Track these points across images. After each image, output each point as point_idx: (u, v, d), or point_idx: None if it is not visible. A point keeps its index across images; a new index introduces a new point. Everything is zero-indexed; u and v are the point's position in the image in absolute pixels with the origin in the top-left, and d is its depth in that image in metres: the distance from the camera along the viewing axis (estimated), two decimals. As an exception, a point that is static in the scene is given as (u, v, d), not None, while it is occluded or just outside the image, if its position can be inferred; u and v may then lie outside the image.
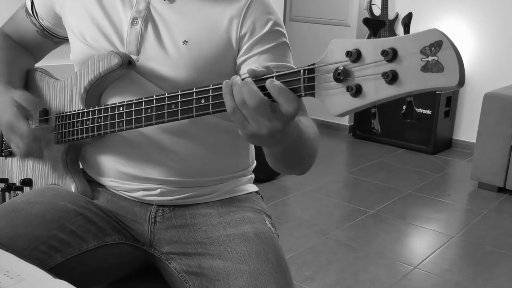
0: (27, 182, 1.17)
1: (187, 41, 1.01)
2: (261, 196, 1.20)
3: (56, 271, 0.92)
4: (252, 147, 1.19)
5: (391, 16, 4.23)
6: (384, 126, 4.21)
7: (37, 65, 1.26)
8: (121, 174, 1.08)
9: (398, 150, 4.14)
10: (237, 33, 1.01)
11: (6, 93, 1.09)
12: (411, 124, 4.10)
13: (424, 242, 2.73)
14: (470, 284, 2.29)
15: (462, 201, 3.25)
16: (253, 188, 1.18)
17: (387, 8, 4.19)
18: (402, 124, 4.13)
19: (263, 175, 3.15)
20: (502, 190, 3.33)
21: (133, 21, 1.03)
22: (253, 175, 1.21)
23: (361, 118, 4.35)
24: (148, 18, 1.03)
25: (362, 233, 2.73)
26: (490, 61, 3.98)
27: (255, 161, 1.21)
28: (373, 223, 2.85)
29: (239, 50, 1.02)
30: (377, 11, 4.22)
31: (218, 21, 1.02)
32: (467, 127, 4.18)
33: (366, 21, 4.19)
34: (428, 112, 4.00)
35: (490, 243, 2.67)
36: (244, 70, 1.02)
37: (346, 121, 4.58)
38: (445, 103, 4.02)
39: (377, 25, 4.14)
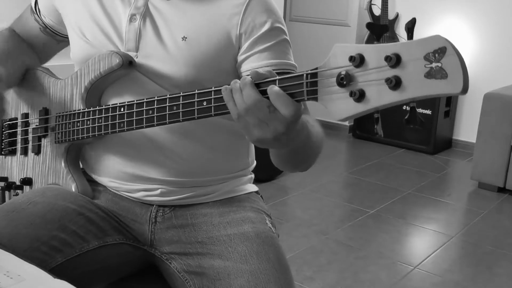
0: (27, 181, 1.17)
1: (186, 37, 1.01)
2: (261, 196, 1.20)
3: (57, 272, 0.92)
4: (252, 147, 1.19)
5: (391, 16, 4.23)
6: (384, 126, 4.21)
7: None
8: (122, 174, 1.08)
9: (398, 150, 4.14)
10: (237, 30, 1.01)
11: None
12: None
13: (424, 242, 2.73)
14: (470, 284, 2.29)
15: (462, 201, 3.24)
16: (253, 188, 1.18)
17: (387, 8, 4.19)
18: (403, 125, 4.13)
19: (263, 175, 3.15)
20: (502, 190, 3.33)
21: (132, 18, 1.03)
22: (253, 175, 1.21)
23: (361, 118, 4.35)
24: (146, 14, 1.03)
25: (362, 233, 2.73)
26: (490, 61, 3.98)
27: (255, 161, 1.21)
28: (373, 223, 2.85)
29: (239, 48, 1.02)
30: (377, 11, 4.21)
31: (217, 18, 1.01)
32: (467, 127, 4.18)
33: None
34: (428, 112, 4.00)
35: (490, 243, 2.67)
36: (244, 68, 1.02)
37: (346, 121, 4.57)
38: (445, 103, 4.02)
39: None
